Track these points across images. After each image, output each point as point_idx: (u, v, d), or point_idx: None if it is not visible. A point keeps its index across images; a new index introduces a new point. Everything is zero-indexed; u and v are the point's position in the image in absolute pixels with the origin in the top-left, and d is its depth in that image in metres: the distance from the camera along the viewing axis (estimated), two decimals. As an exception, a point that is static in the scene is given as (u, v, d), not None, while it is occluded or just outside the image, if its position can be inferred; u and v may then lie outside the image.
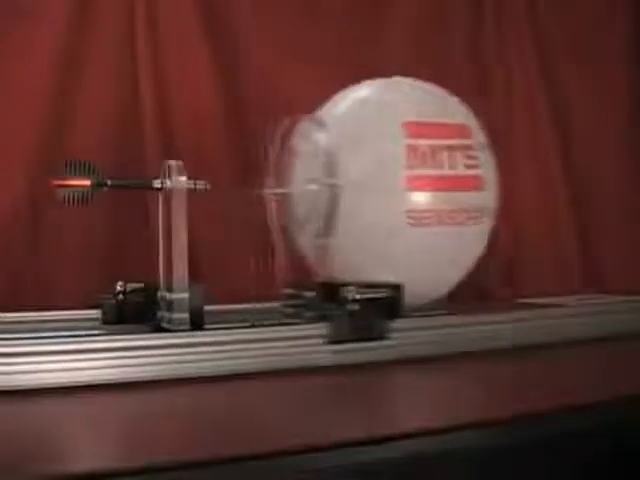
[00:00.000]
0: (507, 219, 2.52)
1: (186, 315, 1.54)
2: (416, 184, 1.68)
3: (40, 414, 1.25)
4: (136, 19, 2.14)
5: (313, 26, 2.39)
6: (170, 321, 1.56)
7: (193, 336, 1.51)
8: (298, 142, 1.77)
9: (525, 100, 2.58)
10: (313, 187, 1.69)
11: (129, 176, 1.67)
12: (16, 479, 0.93)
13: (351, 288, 1.57)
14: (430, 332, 1.65)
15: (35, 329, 1.60)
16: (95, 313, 1.68)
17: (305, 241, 1.75)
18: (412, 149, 1.68)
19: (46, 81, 2.05)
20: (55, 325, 1.65)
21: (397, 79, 1.84)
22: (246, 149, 2.24)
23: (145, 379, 1.40)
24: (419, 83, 1.83)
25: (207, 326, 1.56)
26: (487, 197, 1.78)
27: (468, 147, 1.74)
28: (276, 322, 1.59)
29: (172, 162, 1.60)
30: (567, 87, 2.60)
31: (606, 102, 2.62)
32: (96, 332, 1.58)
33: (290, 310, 1.68)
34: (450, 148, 1.71)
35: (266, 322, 1.58)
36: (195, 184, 1.59)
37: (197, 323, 1.55)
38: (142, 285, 1.68)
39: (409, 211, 1.67)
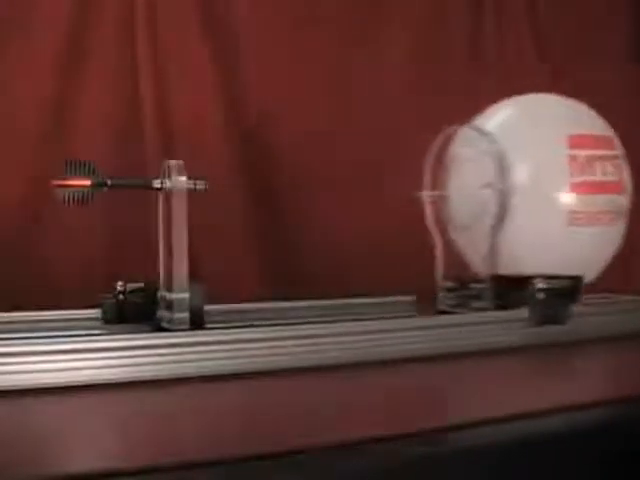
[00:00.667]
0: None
1: (186, 315, 1.54)
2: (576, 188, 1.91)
3: (39, 414, 1.25)
4: (136, 19, 2.14)
5: (313, 26, 2.39)
6: (170, 321, 1.56)
7: (193, 335, 1.50)
8: (459, 149, 1.97)
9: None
10: (486, 190, 1.87)
11: (129, 176, 1.67)
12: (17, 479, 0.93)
13: (539, 279, 1.76)
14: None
15: (34, 328, 1.61)
16: (95, 313, 1.69)
17: (468, 241, 1.97)
18: (573, 159, 1.91)
19: (46, 81, 2.06)
20: (54, 325, 1.65)
21: (543, 95, 2.10)
22: (247, 149, 2.25)
23: (145, 379, 1.40)
24: (562, 99, 2.07)
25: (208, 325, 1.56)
26: (626, 199, 2.02)
27: (615, 157, 1.99)
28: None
29: (172, 162, 1.60)
30: (567, 87, 2.60)
31: (606, 102, 2.61)
32: (96, 332, 1.59)
33: (453, 301, 1.89)
34: (601, 158, 1.95)
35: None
36: (195, 184, 1.59)
37: (197, 323, 1.55)
38: (142, 285, 1.68)
39: (570, 212, 1.90)
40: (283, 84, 2.30)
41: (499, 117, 2.04)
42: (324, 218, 2.33)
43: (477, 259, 1.94)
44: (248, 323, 1.63)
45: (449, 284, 1.93)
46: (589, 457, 1.21)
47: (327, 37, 2.41)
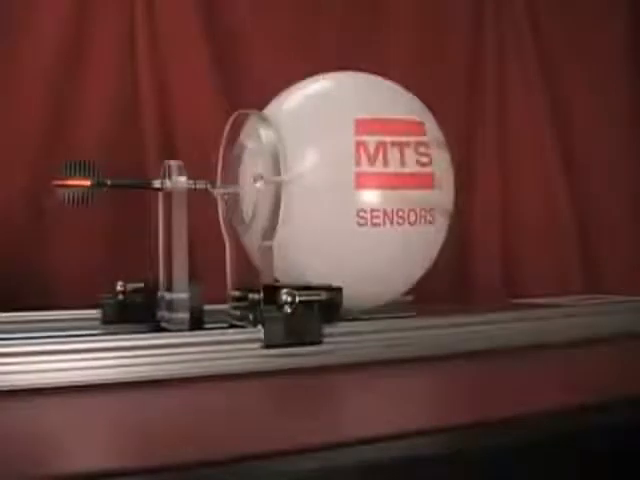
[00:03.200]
0: (507, 219, 2.54)
1: (186, 315, 1.55)
2: (365, 182, 1.61)
3: (38, 414, 1.25)
4: (136, 19, 2.14)
5: (313, 26, 2.39)
6: (170, 321, 1.56)
7: (193, 336, 1.50)
8: (245, 139, 1.71)
9: (524, 100, 2.58)
10: (258, 185, 1.61)
11: (129, 176, 1.67)
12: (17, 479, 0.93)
13: (287, 290, 1.49)
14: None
15: (34, 329, 1.61)
16: (95, 313, 1.69)
17: (251, 241, 1.68)
18: (361, 146, 1.61)
19: (46, 81, 2.06)
20: (54, 325, 1.66)
21: (348, 73, 1.76)
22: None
23: (144, 379, 1.40)
24: (371, 77, 1.76)
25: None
26: (439, 195, 1.70)
27: (420, 144, 1.67)
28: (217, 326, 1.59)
29: (172, 162, 1.60)
30: (567, 87, 2.61)
31: (606, 102, 2.62)
32: (95, 332, 1.59)
33: (237, 313, 1.63)
34: (401, 145, 1.64)
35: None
36: (195, 184, 1.59)
37: (197, 323, 1.55)
38: (142, 285, 1.68)
39: (358, 210, 1.61)
40: (283, 85, 2.30)
41: (290, 100, 1.72)
42: None
43: (257, 263, 1.66)
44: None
45: (236, 293, 1.66)
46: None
47: (327, 37, 2.40)
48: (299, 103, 1.72)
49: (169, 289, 1.58)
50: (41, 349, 1.37)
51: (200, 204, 1.64)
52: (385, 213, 1.60)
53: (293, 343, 1.48)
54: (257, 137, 1.63)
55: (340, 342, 1.53)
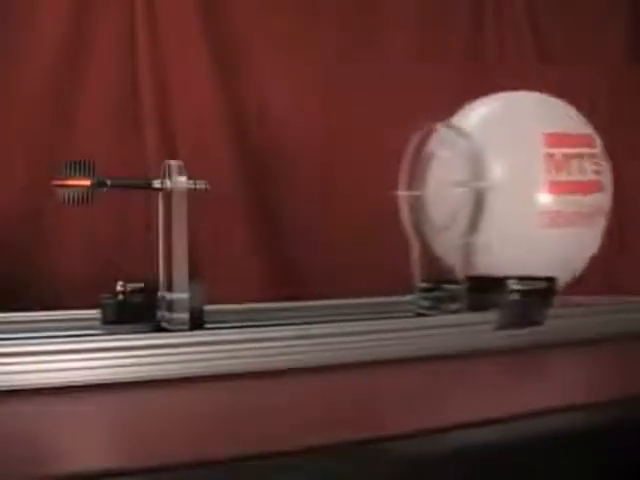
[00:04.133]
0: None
1: (186, 315, 1.55)
2: (553, 189, 1.86)
3: (39, 414, 1.25)
4: (136, 19, 2.14)
5: (313, 26, 2.39)
6: (170, 321, 1.56)
7: (193, 336, 1.50)
8: (436, 148, 1.91)
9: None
10: (459, 190, 1.82)
11: (129, 176, 1.67)
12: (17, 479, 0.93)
13: (513, 280, 1.74)
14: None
15: (35, 329, 1.61)
16: (95, 313, 1.68)
17: (444, 241, 1.90)
18: (550, 157, 1.86)
19: (46, 81, 2.06)
20: (55, 325, 1.65)
21: (524, 92, 2.03)
22: (247, 148, 2.24)
23: (145, 379, 1.39)
24: (544, 96, 2.02)
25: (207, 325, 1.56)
26: (605, 199, 1.97)
27: (594, 155, 1.93)
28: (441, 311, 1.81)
29: (172, 162, 1.60)
30: (567, 86, 2.60)
31: (606, 102, 2.62)
32: (95, 332, 1.59)
33: (427, 302, 1.84)
34: (580, 156, 1.90)
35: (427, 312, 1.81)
36: (195, 184, 1.59)
37: (197, 323, 1.55)
38: (142, 285, 1.67)
39: (546, 213, 1.85)
40: (283, 85, 2.31)
41: (475, 115, 1.97)
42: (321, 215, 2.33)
43: (453, 259, 1.87)
44: (248, 323, 1.62)
45: (425, 285, 1.87)
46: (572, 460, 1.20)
47: (327, 37, 2.41)
48: (488, 117, 1.96)
49: (169, 289, 1.58)
50: (41, 349, 1.37)
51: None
52: (565, 215, 1.85)
53: (521, 324, 1.73)
54: (451, 146, 1.85)
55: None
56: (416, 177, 1.91)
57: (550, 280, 1.78)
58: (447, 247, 1.89)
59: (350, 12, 2.44)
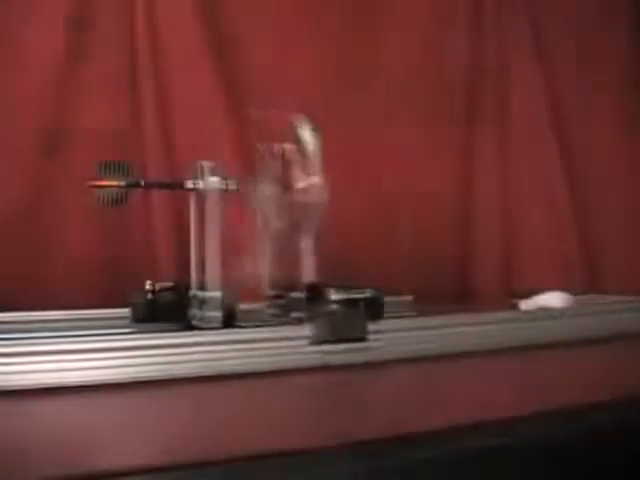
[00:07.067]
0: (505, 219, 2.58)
1: (219, 313, 1.56)
2: None
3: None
4: (136, 20, 2.14)
5: (313, 26, 2.40)
6: (202, 319, 1.58)
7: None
8: (291, 143, 1.77)
9: (524, 100, 2.62)
10: (301, 187, 1.69)
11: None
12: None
13: (332, 289, 1.56)
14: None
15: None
16: (124, 312, 1.69)
17: (297, 243, 1.73)
18: None
19: (46, 82, 2.05)
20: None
21: None
22: (246, 149, 2.25)
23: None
24: None
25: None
26: None
27: None
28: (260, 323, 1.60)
29: (205, 163, 1.62)
30: (567, 87, 2.64)
31: (606, 102, 2.66)
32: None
33: (274, 311, 1.66)
34: None
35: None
36: (227, 184, 1.61)
37: (230, 321, 1.57)
38: (172, 284, 1.69)
39: None
40: (283, 83, 2.32)
41: None
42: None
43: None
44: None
45: (273, 292, 1.68)
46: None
47: (327, 37, 2.42)
48: None
49: (202, 288, 1.59)
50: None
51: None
52: None
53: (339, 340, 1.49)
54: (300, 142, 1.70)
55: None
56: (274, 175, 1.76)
57: (377, 289, 1.62)
58: (298, 250, 1.73)
59: (351, 12, 2.45)
